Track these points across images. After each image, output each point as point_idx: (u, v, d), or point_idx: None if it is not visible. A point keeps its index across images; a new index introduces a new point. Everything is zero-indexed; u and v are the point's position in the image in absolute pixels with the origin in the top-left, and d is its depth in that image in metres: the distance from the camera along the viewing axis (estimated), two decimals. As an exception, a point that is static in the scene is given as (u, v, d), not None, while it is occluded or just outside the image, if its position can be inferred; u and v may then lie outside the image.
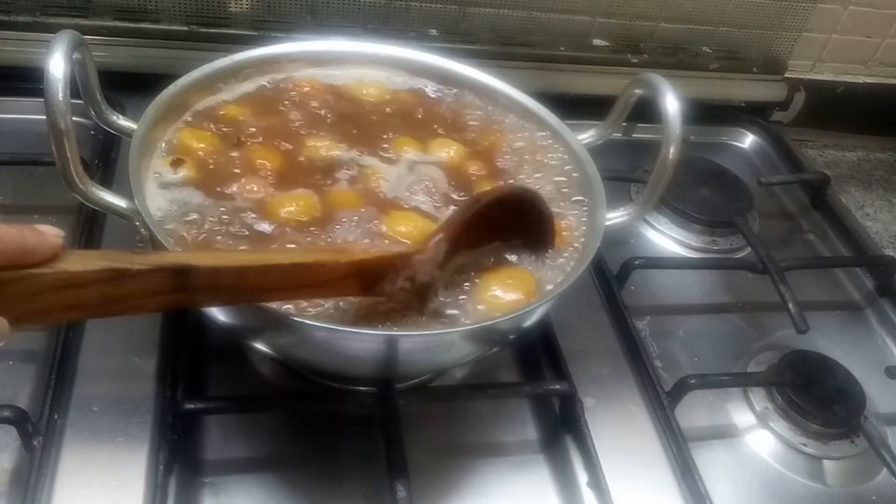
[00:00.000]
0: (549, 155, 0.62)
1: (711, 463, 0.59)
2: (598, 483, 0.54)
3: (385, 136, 0.61)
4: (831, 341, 0.72)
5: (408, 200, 0.56)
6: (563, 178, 0.60)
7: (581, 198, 0.58)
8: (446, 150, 0.60)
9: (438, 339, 0.47)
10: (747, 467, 0.61)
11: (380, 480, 0.51)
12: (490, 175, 0.60)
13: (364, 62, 0.66)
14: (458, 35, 0.87)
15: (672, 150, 0.52)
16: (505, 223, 0.50)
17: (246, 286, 0.39)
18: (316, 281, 0.42)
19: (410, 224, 0.53)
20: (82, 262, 0.34)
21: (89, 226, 0.64)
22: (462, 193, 0.57)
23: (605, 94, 0.66)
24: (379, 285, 0.44)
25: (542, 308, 0.49)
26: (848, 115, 1.06)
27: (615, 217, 0.56)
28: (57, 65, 0.43)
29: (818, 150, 1.07)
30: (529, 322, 0.50)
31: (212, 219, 0.51)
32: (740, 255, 0.80)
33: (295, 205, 0.53)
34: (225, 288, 0.39)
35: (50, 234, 0.33)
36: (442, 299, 0.48)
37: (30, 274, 0.32)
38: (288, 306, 0.44)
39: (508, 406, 0.60)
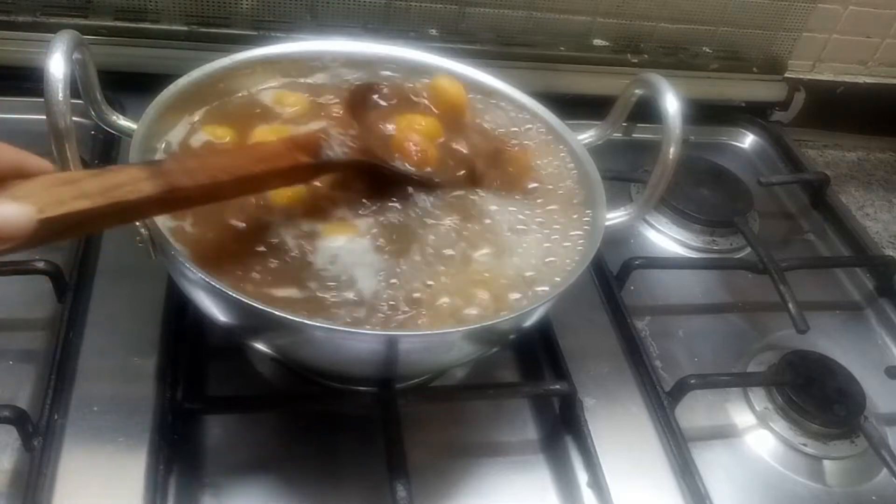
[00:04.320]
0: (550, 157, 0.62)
1: (711, 463, 0.59)
2: (598, 483, 0.54)
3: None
4: (831, 341, 0.72)
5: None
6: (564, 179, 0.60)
7: (581, 198, 0.58)
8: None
9: (438, 340, 0.47)
10: (747, 467, 0.61)
11: (380, 480, 0.51)
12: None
13: (364, 62, 0.66)
14: (458, 35, 0.87)
15: (672, 150, 0.52)
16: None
17: (208, 165, 0.46)
18: (265, 155, 0.49)
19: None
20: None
21: (89, 226, 0.64)
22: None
23: (605, 94, 0.66)
24: (322, 154, 0.51)
25: (542, 308, 0.49)
26: (848, 115, 1.06)
27: (615, 217, 0.56)
28: (57, 65, 0.43)
29: (818, 150, 1.07)
30: (529, 322, 0.50)
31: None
32: (740, 255, 0.80)
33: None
34: (194, 169, 0.45)
35: (45, 161, 0.38)
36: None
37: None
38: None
39: (508, 406, 0.60)
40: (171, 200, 0.42)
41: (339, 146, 0.52)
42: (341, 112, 0.60)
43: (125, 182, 0.40)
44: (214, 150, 0.54)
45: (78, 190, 0.37)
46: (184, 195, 0.43)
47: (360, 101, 0.61)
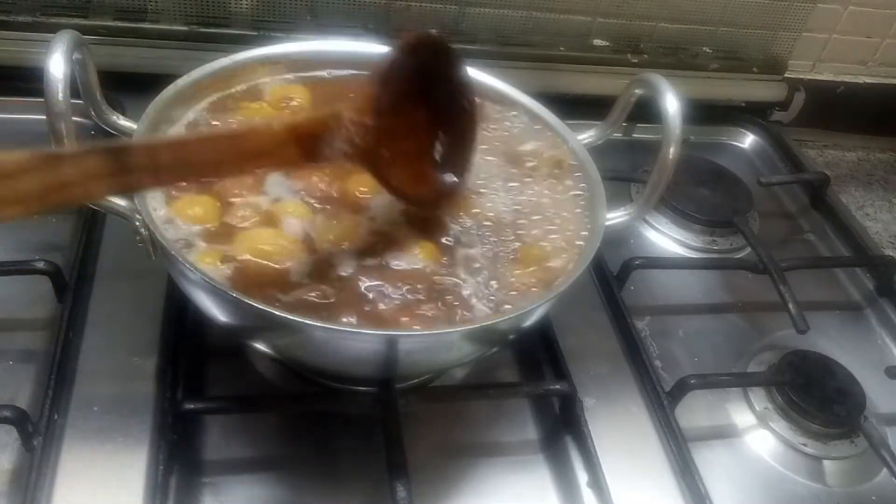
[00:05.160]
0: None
1: (711, 463, 0.59)
2: (598, 483, 0.54)
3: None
4: (831, 341, 0.72)
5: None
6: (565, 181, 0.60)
7: (581, 197, 0.58)
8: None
9: (438, 340, 0.47)
10: (747, 467, 0.61)
11: (380, 480, 0.51)
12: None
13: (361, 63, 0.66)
14: (458, 35, 0.87)
15: (672, 150, 0.52)
16: (426, 92, 0.50)
17: (186, 162, 0.39)
18: (255, 150, 0.42)
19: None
20: (11, 153, 0.33)
21: (89, 226, 0.64)
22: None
23: (605, 94, 0.66)
24: (318, 149, 0.44)
25: (542, 308, 0.49)
26: (848, 115, 1.06)
27: (615, 217, 0.56)
28: (57, 65, 0.43)
29: (818, 150, 1.07)
30: (529, 322, 0.50)
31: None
32: (740, 255, 0.80)
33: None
34: (165, 165, 0.38)
35: None
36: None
37: None
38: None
39: (508, 406, 0.60)
40: (121, 193, 0.38)
41: (341, 142, 0.45)
42: (372, 81, 0.48)
43: (75, 181, 0.34)
44: (197, 139, 0.45)
45: (11, 191, 0.32)
46: (138, 191, 0.39)
47: (396, 72, 0.48)
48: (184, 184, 0.44)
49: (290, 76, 0.63)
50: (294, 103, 0.60)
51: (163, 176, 0.39)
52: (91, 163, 0.35)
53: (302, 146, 0.44)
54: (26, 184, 0.32)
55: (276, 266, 0.48)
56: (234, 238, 0.49)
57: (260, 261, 0.48)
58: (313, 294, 0.47)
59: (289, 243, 0.50)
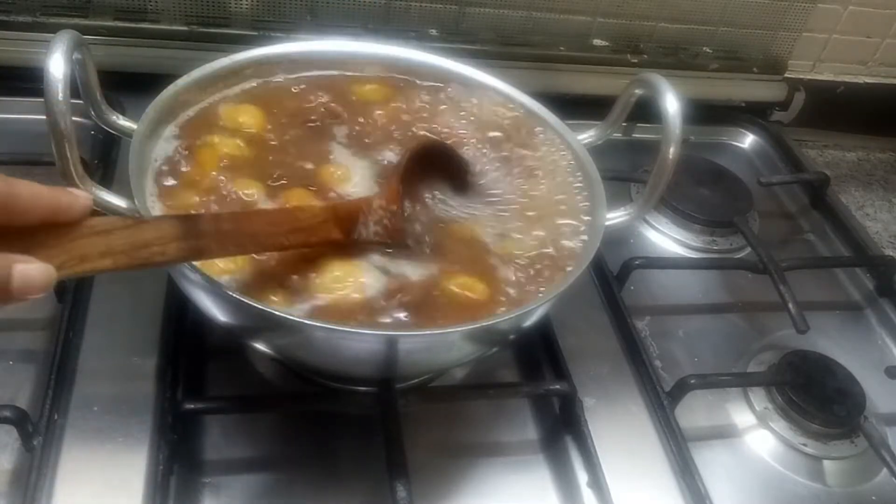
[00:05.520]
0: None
1: (711, 463, 0.59)
2: (598, 483, 0.54)
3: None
4: (831, 341, 0.72)
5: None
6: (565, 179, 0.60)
7: (581, 197, 0.58)
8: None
9: (438, 339, 0.47)
10: (747, 467, 0.61)
11: (380, 480, 0.51)
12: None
13: (364, 62, 0.66)
14: (458, 35, 0.87)
15: (672, 150, 0.52)
16: (434, 171, 0.57)
17: (244, 231, 0.45)
18: (300, 224, 0.48)
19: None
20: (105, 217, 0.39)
21: (89, 226, 0.64)
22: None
23: (605, 94, 0.66)
24: (356, 229, 0.50)
25: (542, 308, 0.49)
26: (848, 115, 1.06)
27: (615, 217, 0.56)
28: (57, 65, 0.43)
29: (818, 150, 1.07)
30: (529, 322, 0.50)
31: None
32: (740, 255, 0.80)
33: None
34: (227, 232, 0.44)
35: (81, 196, 0.37)
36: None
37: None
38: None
39: (508, 406, 0.60)
40: (190, 260, 0.43)
41: (374, 224, 0.51)
42: (394, 176, 0.54)
43: (154, 241, 0.39)
44: (253, 212, 0.51)
45: (105, 245, 0.37)
46: (205, 256, 0.44)
47: (417, 166, 0.55)
48: (244, 256, 0.48)
49: (280, 78, 0.63)
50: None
51: (226, 242, 0.43)
52: (166, 226, 0.41)
53: (341, 226, 0.49)
54: (116, 241, 0.38)
55: (354, 289, 0.49)
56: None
57: (337, 291, 0.49)
58: (400, 298, 0.49)
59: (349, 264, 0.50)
